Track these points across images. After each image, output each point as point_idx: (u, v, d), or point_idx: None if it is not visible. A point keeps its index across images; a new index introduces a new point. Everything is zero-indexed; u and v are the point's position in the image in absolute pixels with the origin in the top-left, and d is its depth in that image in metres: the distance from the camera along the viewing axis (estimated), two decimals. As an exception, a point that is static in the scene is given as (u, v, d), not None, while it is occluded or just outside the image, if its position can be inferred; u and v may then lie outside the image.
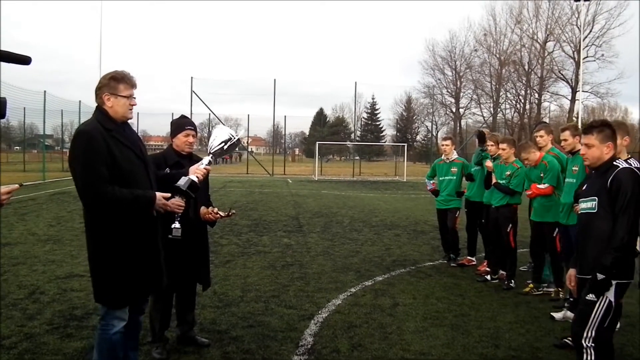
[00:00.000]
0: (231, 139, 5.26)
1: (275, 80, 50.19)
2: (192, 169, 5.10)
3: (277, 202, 22.91)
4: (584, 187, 5.11)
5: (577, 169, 7.52)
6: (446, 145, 11.23)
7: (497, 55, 77.60)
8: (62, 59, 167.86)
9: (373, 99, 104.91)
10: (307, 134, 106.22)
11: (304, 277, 9.55)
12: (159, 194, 4.72)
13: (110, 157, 4.47)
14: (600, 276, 4.58)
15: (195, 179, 4.92)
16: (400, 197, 27.37)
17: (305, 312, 7.51)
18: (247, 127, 52.78)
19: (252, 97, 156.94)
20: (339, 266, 10.50)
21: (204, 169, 5.07)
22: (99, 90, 4.67)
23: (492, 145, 9.91)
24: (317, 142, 52.13)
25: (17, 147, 53.04)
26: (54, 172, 36.24)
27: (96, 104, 4.71)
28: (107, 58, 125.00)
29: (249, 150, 58.70)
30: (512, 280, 9.23)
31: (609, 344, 4.75)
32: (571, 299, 7.24)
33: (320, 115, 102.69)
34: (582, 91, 58.71)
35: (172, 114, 47.71)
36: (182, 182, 5.02)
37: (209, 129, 57.41)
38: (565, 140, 7.74)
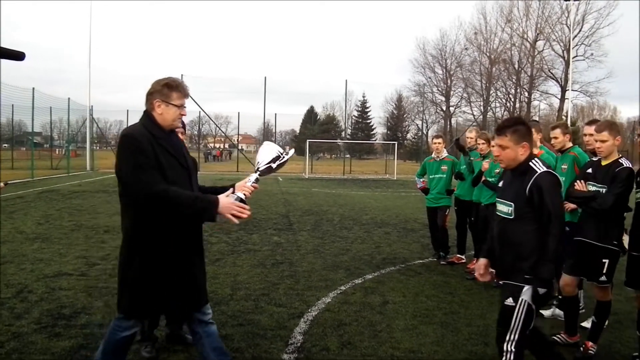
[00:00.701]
0: (280, 156, 5.16)
1: (265, 78, 50.25)
2: (238, 185, 5.00)
3: (267, 200, 22.86)
4: (501, 185, 5.02)
5: (566, 167, 7.54)
6: (438, 143, 11.23)
7: (488, 54, 78.00)
8: (52, 56, 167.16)
9: (364, 97, 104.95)
10: (298, 132, 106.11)
11: (293, 275, 9.53)
12: (223, 198, 4.56)
13: (157, 163, 4.37)
14: (541, 290, 4.57)
15: (243, 196, 4.83)
16: (391, 195, 27.39)
17: (295, 311, 7.50)
18: (237, 125, 52.80)
19: (243, 95, 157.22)
20: (329, 264, 10.49)
21: (252, 186, 4.95)
22: (150, 96, 4.57)
23: (482, 143, 9.92)
24: (308, 140, 52.06)
25: (6, 145, 52.80)
26: (42, 169, 36.11)
27: (145, 109, 4.62)
28: (97, 55, 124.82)
29: (239, 148, 58.57)
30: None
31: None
32: (559, 297, 7.26)
33: (310, 113, 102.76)
34: (572, 90, 59.08)
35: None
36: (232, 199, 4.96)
37: (199, 126, 57.40)
38: (555, 138, 7.75)
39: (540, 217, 4.50)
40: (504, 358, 4.57)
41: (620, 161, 6.17)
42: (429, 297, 8.34)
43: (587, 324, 6.89)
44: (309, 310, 7.55)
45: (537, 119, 65.70)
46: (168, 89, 4.57)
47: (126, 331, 4.58)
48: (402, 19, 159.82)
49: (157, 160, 4.37)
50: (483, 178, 9.48)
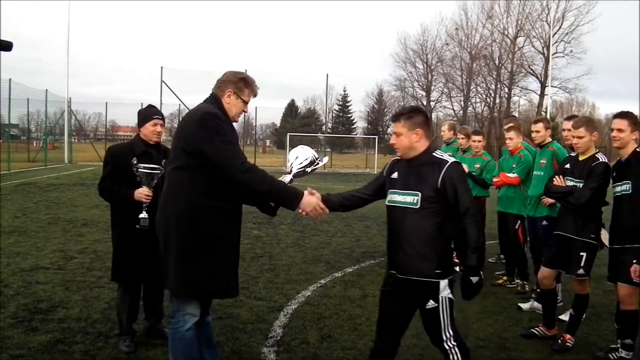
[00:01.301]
0: (314, 161, 5.12)
1: (246, 70, 49.96)
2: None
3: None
4: (394, 176, 4.77)
5: (545, 162, 7.58)
6: None
7: (468, 50, 78.31)
8: (29, 46, 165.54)
9: (345, 91, 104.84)
10: (278, 125, 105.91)
11: (273, 268, 9.52)
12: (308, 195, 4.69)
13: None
14: (474, 279, 4.48)
15: None
16: (371, 189, 27.36)
17: (274, 304, 7.49)
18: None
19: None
20: (309, 258, 10.49)
21: None
22: (224, 84, 4.64)
23: (462, 138, 9.95)
24: (288, 134, 52.01)
25: (-18, 137, 52.36)
26: (19, 162, 35.75)
27: (213, 92, 4.69)
28: (76, 47, 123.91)
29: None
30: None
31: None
32: (538, 290, 7.30)
33: (291, 107, 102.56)
34: (551, 86, 59.51)
35: (142, 104, 47.26)
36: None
37: (179, 119, 57.03)
38: (537, 132, 7.78)
39: (454, 208, 4.35)
40: (450, 357, 4.46)
41: (597, 156, 6.22)
42: (409, 291, 8.35)
43: (565, 317, 6.94)
44: (289, 303, 7.54)
45: (516, 114, 66.15)
46: (244, 84, 4.68)
47: (187, 324, 4.53)
48: (384, 14, 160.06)
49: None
50: (466, 170, 9.41)
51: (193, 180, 4.36)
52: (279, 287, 8.33)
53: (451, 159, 4.45)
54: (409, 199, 4.48)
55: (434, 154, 4.51)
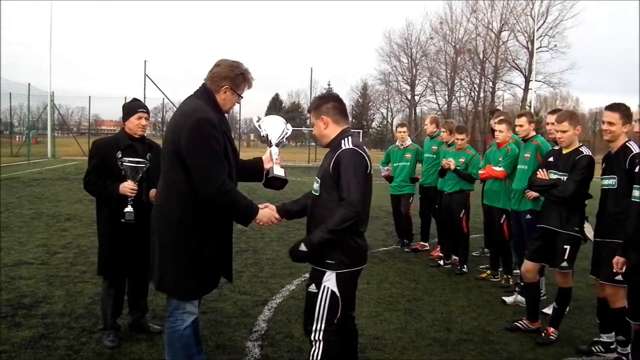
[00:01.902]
0: (286, 130, 5.14)
1: (230, 64, 49.91)
2: (265, 158, 5.02)
3: (231, 187, 22.75)
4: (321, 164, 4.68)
5: (529, 155, 7.61)
6: (403, 132, 11.25)
7: (453, 44, 78.45)
8: (11, 40, 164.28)
9: (329, 85, 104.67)
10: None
11: (258, 262, 9.52)
12: (263, 210, 4.76)
13: (224, 150, 4.36)
14: (302, 249, 4.32)
15: (283, 173, 4.97)
16: (355, 183, 27.40)
17: (259, 298, 7.49)
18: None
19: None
20: (293, 252, 10.45)
21: (278, 159, 4.99)
22: (221, 79, 4.47)
23: (444, 132, 9.98)
24: (273, 128, 51.83)
25: (-36, 132, 51.94)
26: (2, 157, 35.44)
27: (205, 85, 4.53)
28: (59, 40, 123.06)
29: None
30: (465, 266, 9.34)
31: (342, 333, 4.56)
32: (522, 284, 7.34)
33: (275, 101, 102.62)
34: (535, 80, 59.63)
35: (125, 98, 46.92)
36: (279, 172, 4.96)
37: (162, 113, 56.92)
38: (521, 126, 7.81)
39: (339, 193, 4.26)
40: (313, 349, 4.35)
41: (581, 149, 6.26)
42: (393, 284, 8.38)
43: (548, 310, 6.99)
44: (273, 297, 7.55)
45: (500, 108, 66.36)
46: (242, 80, 4.56)
47: (185, 322, 4.46)
48: (369, 7, 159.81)
49: (224, 146, 4.35)
50: (453, 167, 9.38)
51: (190, 182, 4.27)
52: (263, 281, 8.34)
53: (349, 146, 4.35)
54: (315, 185, 4.53)
55: (341, 140, 4.42)
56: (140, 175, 5.66)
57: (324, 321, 4.33)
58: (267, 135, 5.03)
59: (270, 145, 5.02)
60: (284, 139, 5.11)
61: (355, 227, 4.33)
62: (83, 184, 5.89)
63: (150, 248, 4.55)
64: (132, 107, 5.89)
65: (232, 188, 4.33)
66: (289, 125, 5.18)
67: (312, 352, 4.36)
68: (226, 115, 4.68)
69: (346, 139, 4.42)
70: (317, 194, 4.45)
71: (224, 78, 4.47)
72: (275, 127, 5.07)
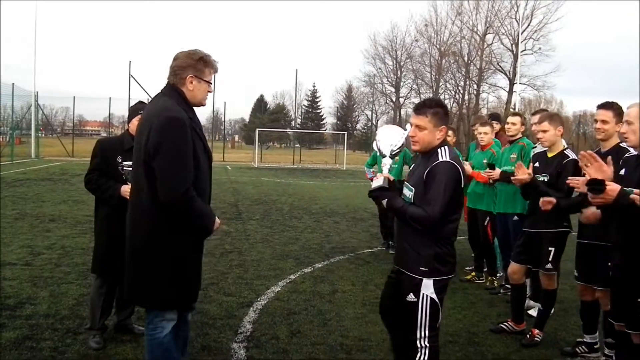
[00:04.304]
0: (398, 142, 4.98)
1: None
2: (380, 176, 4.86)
3: (215, 189, 22.70)
4: (411, 169, 4.83)
5: (515, 157, 7.65)
6: None
7: (438, 46, 78.55)
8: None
9: (314, 86, 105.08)
10: (247, 120, 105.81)
11: (242, 264, 9.50)
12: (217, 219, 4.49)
13: (193, 150, 4.17)
14: (383, 199, 4.54)
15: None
16: (340, 185, 27.50)
17: (244, 300, 7.48)
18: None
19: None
20: (278, 253, 10.49)
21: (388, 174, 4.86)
22: (182, 70, 4.27)
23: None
24: (257, 129, 51.85)
25: (-53, 132, 51.52)
26: (-14, 157, 35.28)
27: (171, 83, 4.33)
28: (43, 40, 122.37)
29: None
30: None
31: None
32: (507, 286, 7.38)
33: (260, 102, 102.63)
34: (520, 83, 59.87)
35: (110, 98, 46.95)
36: (380, 183, 4.74)
37: (147, 114, 56.60)
38: (513, 124, 7.82)
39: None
40: (418, 355, 4.42)
41: (566, 153, 6.27)
42: (378, 286, 8.37)
43: (533, 312, 7.02)
44: (259, 299, 7.54)
45: (485, 111, 66.69)
46: (203, 64, 4.34)
47: (165, 329, 4.36)
48: (353, 9, 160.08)
49: (194, 146, 4.18)
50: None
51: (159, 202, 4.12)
52: (248, 282, 8.33)
53: (446, 157, 4.38)
54: (407, 192, 4.57)
55: (438, 149, 4.47)
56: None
57: (427, 328, 4.41)
58: (385, 145, 4.97)
59: (383, 156, 4.99)
60: (395, 149, 4.98)
61: (449, 236, 4.47)
62: (84, 181, 5.87)
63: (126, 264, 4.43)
64: (135, 110, 5.92)
65: (194, 196, 4.11)
66: (405, 135, 4.99)
67: (417, 358, 4.43)
68: (201, 114, 4.59)
69: (443, 149, 4.46)
70: (411, 202, 4.48)
71: (185, 68, 4.28)
72: (389, 138, 4.98)
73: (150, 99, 4.45)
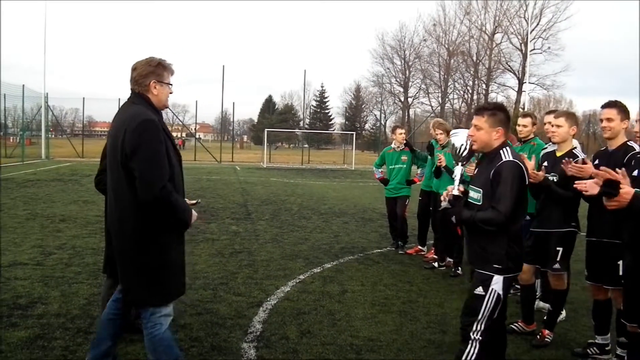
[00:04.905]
0: (465, 146, 5.10)
1: (224, 66, 50.12)
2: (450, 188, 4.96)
3: (225, 189, 22.78)
4: (475, 171, 4.95)
5: (526, 156, 7.62)
6: (404, 134, 11.23)
7: (446, 46, 78.59)
8: (5, 41, 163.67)
9: (322, 87, 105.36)
10: (256, 121, 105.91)
11: (252, 264, 9.52)
12: (194, 213, 4.73)
13: (166, 149, 4.37)
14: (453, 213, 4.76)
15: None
16: (349, 185, 27.49)
17: (254, 300, 7.49)
18: (195, 113, 52.42)
19: (201, 83, 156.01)
20: (287, 253, 10.50)
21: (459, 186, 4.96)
22: (144, 78, 4.50)
23: (441, 133, 9.96)
24: (266, 130, 51.95)
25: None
26: (-4, 157, 35.43)
27: (136, 92, 4.53)
28: (53, 42, 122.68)
29: (197, 137, 58.19)
30: (459, 268, 9.35)
31: (495, 335, 4.75)
32: (517, 286, 7.37)
33: (269, 103, 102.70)
34: (529, 83, 59.80)
35: (119, 99, 47.03)
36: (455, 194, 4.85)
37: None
38: (525, 126, 7.81)
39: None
40: (469, 348, 4.58)
41: (575, 152, 6.26)
42: (388, 286, 8.40)
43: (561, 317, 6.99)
44: (268, 299, 7.55)
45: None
46: (162, 69, 4.56)
47: (164, 325, 4.53)
48: (362, 10, 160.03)
49: (166, 145, 4.37)
50: (444, 163, 9.39)
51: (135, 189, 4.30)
52: (258, 282, 8.34)
53: (509, 157, 4.56)
54: (474, 195, 4.73)
55: (500, 150, 4.64)
56: None
57: (484, 321, 4.57)
58: (456, 152, 5.06)
59: (457, 163, 5.07)
60: (465, 154, 5.07)
61: (518, 234, 4.63)
62: (94, 182, 5.93)
63: (113, 250, 4.61)
64: None
65: (172, 191, 4.31)
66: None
67: (467, 351, 4.59)
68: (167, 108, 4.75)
69: (505, 149, 4.65)
70: (480, 203, 4.63)
71: (146, 75, 4.50)
72: (461, 143, 5.07)
73: (120, 108, 4.62)
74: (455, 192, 4.83)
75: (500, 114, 4.69)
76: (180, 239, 4.71)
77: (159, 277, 4.43)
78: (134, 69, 4.56)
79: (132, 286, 4.46)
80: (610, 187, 3.94)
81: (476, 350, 4.55)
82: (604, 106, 5.79)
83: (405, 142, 11.16)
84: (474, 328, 4.58)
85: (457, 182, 4.94)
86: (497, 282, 4.55)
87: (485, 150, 4.74)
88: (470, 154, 5.11)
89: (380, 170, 11.66)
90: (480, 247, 4.64)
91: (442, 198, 5.04)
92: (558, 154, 6.39)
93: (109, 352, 4.86)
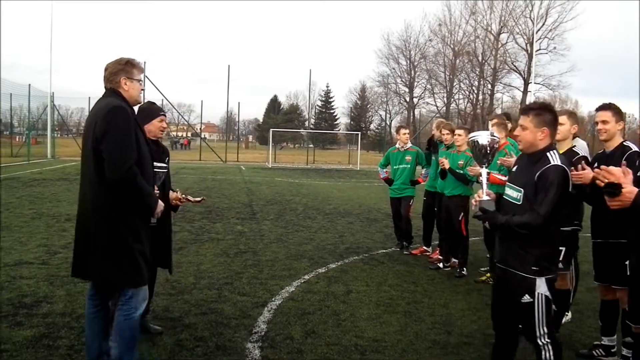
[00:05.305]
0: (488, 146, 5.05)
1: (229, 66, 50.02)
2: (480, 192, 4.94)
3: (230, 189, 22.80)
4: (514, 169, 4.96)
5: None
6: (407, 134, 11.23)
7: (452, 46, 78.44)
8: (11, 41, 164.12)
9: (327, 87, 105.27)
10: (261, 120, 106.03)
11: (257, 264, 9.53)
12: (161, 203, 4.93)
13: (136, 137, 4.63)
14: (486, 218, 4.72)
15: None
16: (354, 185, 27.49)
17: (258, 299, 7.50)
18: (200, 113, 52.44)
19: (206, 83, 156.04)
20: (292, 253, 10.51)
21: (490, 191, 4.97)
22: (115, 75, 4.82)
23: (447, 133, 9.94)
24: (271, 130, 51.98)
25: (-36, 132, 51.85)
26: (2, 157, 35.44)
27: (109, 88, 4.85)
28: (58, 40, 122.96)
29: (202, 136, 58.25)
30: (464, 268, 9.34)
31: (505, 336, 4.84)
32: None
33: (274, 103, 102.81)
34: (534, 83, 59.68)
35: (124, 98, 47.04)
36: (487, 205, 4.79)
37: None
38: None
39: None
40: (544, 354, 4.55)
41: (575, 150, 6.26)
42: (392, 287, 8.39)
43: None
44: (273, 299, 7.56)
45: (499, 111, 66.34)
46: (130, 66, 4.88)
47: (139, 310, 4.78)
48: (367, 9, 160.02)
49: (136, 134, 4.63)
50: (447, 166, 9.39)
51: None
52: (263, 282, 8.35)
53: (557, 162, 4.51)
54: (514, 193, 4.70)
55: (547, 153, 4.60)
56: (164, 178, 5.91)
57: (545, 324, 4.54)
58: (479, 154, 5.05)
59: (481, 165, 5.08)
60: (487, 154, 5.05)
61: (555, 235, 4.63)
62: None
63: (83, 244, 4.73)
64: (154, 111, 6.10)
65: (138, 174, 4.52)
66: (490, 139, 5.05)
67: (544, 356, 4.55)
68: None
69: (553, 152, 4.61)
70: (519, 203, 4.61)
71: (116, 73, 4.83)
72: (484, 145, 5.04)
73: (94, 104, 4.93)
74: (485, 198, 4.79)
75: (546, 114, 4.64)
76: (146, 225, 4.87)
77: (132, 258, 4.63)
78: (105, 69, 4.89)
79: (106, 270, 4.63)
80: (612, 187, 3.94)
81: (552, 353, 4.54)
82: (598, 109, 5.87)
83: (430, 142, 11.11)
84: (538, 334, 4.55)
85: (484, 186, 4.91)
86: (541, 285, 4.52)
87: (530, 151, 4.69)
88: (492, 156, 5.08)
89: (385, 170, 11.65)
90: (519, 248, 4.58)
91: (472, 203, 5.04)
92: (560, 151, 6.39)
93: (101, 351, 4.94)
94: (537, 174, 4.48)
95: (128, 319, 4.70)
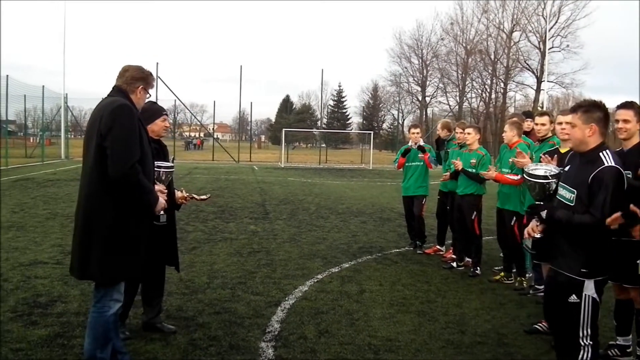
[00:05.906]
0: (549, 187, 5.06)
1: (241, 66, 50.17)
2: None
3: (243, 189, 22.82)
4: (567, 169, 4.88)
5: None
6: (416, 133, 11.17)
7: (464, 44, 78.25)
8: (25, 42, 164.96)
9: (339, 86, 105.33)
10: (273, 120, 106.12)
11: (270, 263, 9.54)
12: (162, 198, 5.01)
13: (139, 137, 4.71)
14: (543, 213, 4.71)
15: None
16: (366, 185, 27.44)
17: (272, 299, 7.50)
18: (213, 113, 52.59)
19: (218, 83, 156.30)
20: (305, 253, 10.51)
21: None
22: (135, 81, 4.91)
23: (460, 132, 9.92)
24: (284, 129, 52.02)
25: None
26: (17, 158, 35.69)
27: (119, 88, 4.89)
28: (72, 42, 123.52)
29: (215, 136, 58.36)
30: (478, 267, 9.30)
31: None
32: (537, 287, 7.32)
33: (286, 102, 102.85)
34: (547, 81, 59.48)
35: (137, 99, 47.32)
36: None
37: (174, 115, 57.04)
38: (543, 124, 7.77)
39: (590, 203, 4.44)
40: (582, 354, 4.55)
41: None
42: (406, 286, 8.38)
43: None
44: (286, 298, 7.56)
45: (512, 109, 66.19)
46: (151, 79, 5.02)
47: (111, 309, 4.80)
48: (379, 9, 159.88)
49: (140, 134, 4.70)
50: (460, 167, 9.37)
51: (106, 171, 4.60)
52: (276, 282, 8.35)
53: (611, 162, 4.47)
54: (567, 194, 4.68)
55: (600, 153, 4.55)
56: (171, 178, 5.93)
57: (589, 326, 4.55)
58: (543, 192, 5.06)
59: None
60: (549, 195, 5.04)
61: (606, 237, 4.56)
62: None
63: (73, 240, 4.88)
64: (158, 111, 6.07)
65: (140, 171, 4.60)
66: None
67: (581, 356, 4.57)
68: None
69: (606, 152, 4.55)
70: (572, 204, 4.59)
71: (138, 79, 4.93)
72: (548, 183, 5.04)
73: (100, 102, 4.91)
74: (538, 235, 4.86)
75: (595, 111, 4.60)
76: (144, 221, 4.93)
77: (116, 256, 4.67)
78: (126, 70, 4.96)
79: (88, 262, 4.66)
80: (630, 218, 3.95)
81: (589, 355, 4.54)
82: (620, 107, 5.73)
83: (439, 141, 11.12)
84: (581, 334, 4.54)
85: (538, 225, 4.91)
86: (589, 287, 4.51)
87: (580, 149, 4.65)
88: (553, 196, 4.99)
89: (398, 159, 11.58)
90: (569, 249, 4.58)
91: (525, 236, 5.09)
92: (563, 150, 6.38)
93: (113, 350, 4.95)
94: (591, 175, 4.44)
95: (100, 316, 4.74)
